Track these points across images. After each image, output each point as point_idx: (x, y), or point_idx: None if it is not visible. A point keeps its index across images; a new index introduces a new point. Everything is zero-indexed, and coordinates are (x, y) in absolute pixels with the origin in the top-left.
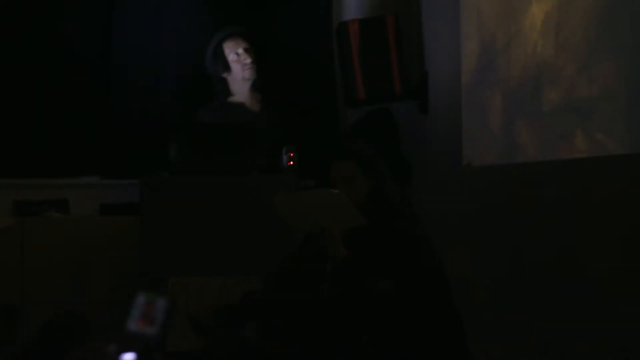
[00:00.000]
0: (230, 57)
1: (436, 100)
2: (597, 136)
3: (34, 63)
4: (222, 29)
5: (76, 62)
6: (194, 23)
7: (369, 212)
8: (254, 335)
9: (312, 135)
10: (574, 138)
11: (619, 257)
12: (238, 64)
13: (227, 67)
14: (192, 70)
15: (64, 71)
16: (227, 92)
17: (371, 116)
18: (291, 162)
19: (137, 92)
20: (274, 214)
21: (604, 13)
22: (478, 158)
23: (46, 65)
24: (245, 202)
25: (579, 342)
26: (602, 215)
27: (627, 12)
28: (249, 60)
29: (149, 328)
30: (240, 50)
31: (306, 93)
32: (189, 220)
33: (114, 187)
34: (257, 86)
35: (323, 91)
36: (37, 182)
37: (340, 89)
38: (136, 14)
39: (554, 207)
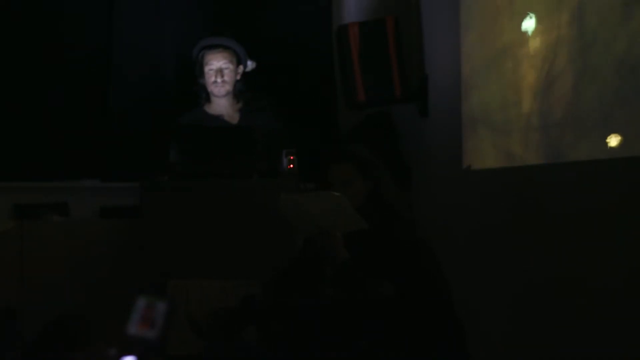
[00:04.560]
0: (206, 68)
1: (436, 103)
2: (598, 140)
3: (33, 65)
4: (209, 37)
5: (76, 65)
6: (193, 24)
7: (367, 215)
8: (254, 339)
9: (312, 138)
10: (574, 141)
11: (623, 260)
12: (209, 77)
13: (203, 75)
14: (192, 72)
15: (64, 74)
16: (207, 98)
17: (371, 119)
18: (291, 166)
19: (137, 95)
20: (273, 217)
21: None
22: (478, 161)
23: (46, 68)
24: (245, 206)
25: (580, 346)
26: (605, 218)
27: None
28: (219, 80)
29: (149, 331)
30: (214, 67)
31: (306, 96)
32: (189, 224)
33: (114, 191)
34: (240, 97)
35: (323, 94)
36: (37, 186)
37: (340, 92)
38: (136, 14)
39: (554, 210)
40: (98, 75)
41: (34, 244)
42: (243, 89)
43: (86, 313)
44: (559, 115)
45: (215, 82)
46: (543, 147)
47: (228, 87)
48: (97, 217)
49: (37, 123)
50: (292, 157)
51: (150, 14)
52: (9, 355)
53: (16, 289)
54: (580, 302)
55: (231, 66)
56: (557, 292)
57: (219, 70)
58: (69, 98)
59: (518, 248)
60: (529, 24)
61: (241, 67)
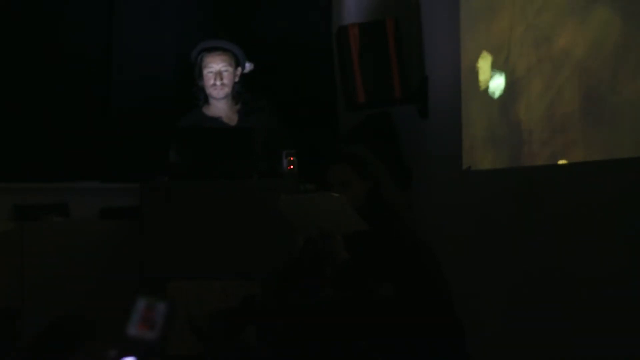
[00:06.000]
0: (205, 71)
1: (436, 104)
2: (597, 140)
3: (33, 65)
4: (208, 40)
5: (76, 65)
6: (193, 25)
7: (367, 215)
8: (254, 340)
9: (312, 138)
10: (575, 141)
11: (622, 261)
12: (208, 80)
13: (202, 78)
14: (192, 72)
15: (64, 74)
16: (206, 100)
17: (371, 120)
18: (291, 166)
19: (137, 96)
20: (273, 217)
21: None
22: (478, 162)
23: (46, 67)
24: (245, 206)
25: (580, 345)
26: (605, 218)
27: None
28: (218, 82)
29: (149, 332)
30: (213, 70)
31: (306, 96)
32: (189, 225)
33: (114, 191)
34: (239, 99)
35: (323, 95)
36: (37, 186)
37: (340, 93)
38: (135, 15)
39: (554, 210)
40: (98, 75)
41: (34, 244)
42: (242, 91)
43: (86, 313)
44: (523, 125)
45: (214, 85)
46: (509, 156)
47: (227, 90)
48: (97, 218)
49: (37, 123)
50: (292, 158)
51: (150, 14)
52: (9, 355)
53: (16, 289)
54: (580, 302)
55: (230, 69)
56: (557, 292)
57: (218, 73)
58: (69, 98)
59: (518, 248)
60: (497, 82)
61: (240, 69)
